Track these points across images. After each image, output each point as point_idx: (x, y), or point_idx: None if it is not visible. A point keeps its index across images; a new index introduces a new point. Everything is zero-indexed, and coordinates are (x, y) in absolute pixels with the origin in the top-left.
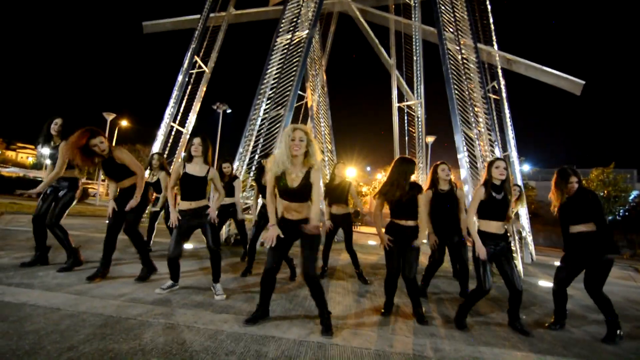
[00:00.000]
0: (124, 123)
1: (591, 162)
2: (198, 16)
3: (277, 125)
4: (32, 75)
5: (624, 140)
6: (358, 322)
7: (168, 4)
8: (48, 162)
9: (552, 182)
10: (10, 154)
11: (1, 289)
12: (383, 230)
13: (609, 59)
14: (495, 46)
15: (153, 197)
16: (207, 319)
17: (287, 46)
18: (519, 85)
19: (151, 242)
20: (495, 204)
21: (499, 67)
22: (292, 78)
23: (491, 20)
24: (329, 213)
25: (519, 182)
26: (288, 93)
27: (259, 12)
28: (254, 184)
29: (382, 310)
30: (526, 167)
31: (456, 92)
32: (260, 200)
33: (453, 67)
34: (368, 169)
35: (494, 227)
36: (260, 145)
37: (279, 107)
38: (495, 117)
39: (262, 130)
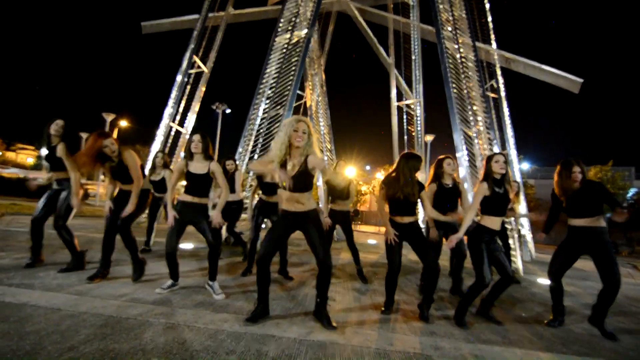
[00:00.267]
0: (124, 123)
1: (590, 160)
2: (197, 16)
3: (277, 124)
4: (32, 76)
5: (622, 138)
6: (358, 320)
7: (167, 5)
8: (45, 163)
9: (555, 174)
10: (10, 155)
11: (2, 290)
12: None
13: (607, 58)
14: (494, 45)
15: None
16: (207, 319)
17: (285, 46)
18: (518, 84)
19: (151, 242)
20: (497, 198)
21: (498, 65)
22: (291, 78)
23: (489, 19)
24: (328, 210)
25: (518, 180)
26: (287, 93)
27: (257, 11)
28: (253, 183)
29: (383, 309)
30: (525, 166)
31: (455, 90)
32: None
33: (452, 66)
34: (367, 168)
35: (496, 223)
36: (259, 145)
37: (278, 107)
38: (494, 116)
39: (261, 130)
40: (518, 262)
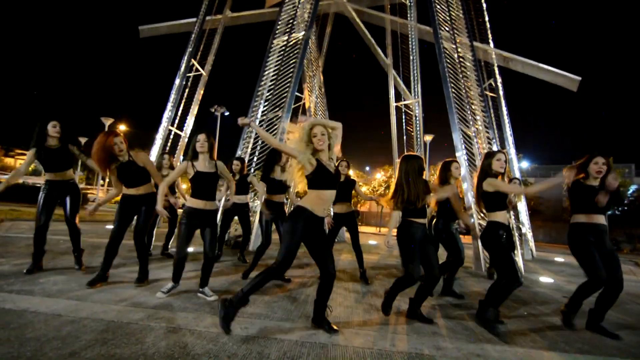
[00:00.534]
0: (122, 127)
1: None
2: (194, 19)
3: (275, 127)
4: (29, 81)
5: (621, 135)
6: (360, 321)
7: (165, 8)
8: (40, 166)
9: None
10: (9, 160)
11: (2, 296)
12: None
13: (605, 55)
14: (492, 44)
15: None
16: (208, 322)
17: (283, 48)
18: (516, 83)
19: (151, 246)
20: (502, 194)
21: (496, 64)
22: (289, 79)
23: (487, 18)
24: (331, 212)
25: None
26: (285, 95)
27: (255, 14)
28: (253, 179)
29: (382, 309)
30: (524, 164)
31: (453, 90)
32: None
33: (450, 66)
34: (367, 168)
35: (507, 217)
36: (258, 148)
37: (277, 109)
38: (492, 115)
39: None
40: (519, 261)
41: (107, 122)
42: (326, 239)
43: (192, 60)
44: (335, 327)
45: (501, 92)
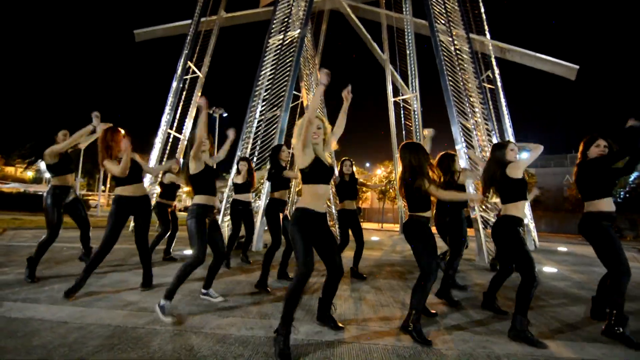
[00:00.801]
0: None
1: None
2: (189, 21)
3: (274, 126)
4: (27, 87)
5: (622, 123)
6: (365, 318)
7: (160, 11)
8: (48, 175)
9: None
10: (9, 169)
11: (8, 305)
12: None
13: (603, 42)
14: (488, 35)
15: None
16: (214, 324)
17: (279, 47)
18: (514, 74)
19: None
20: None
21: (492, 56)
22: (286, 78)
23: (482, 10)
24: (337, 209)
25: None
26: (283, 94)
27: (249, 14)
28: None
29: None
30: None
31: (451, 83)
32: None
33: (447, 59)
34: (367, 164)
35: (523, 208)
36: (258, 147)
37: (275, 108)
38: (491, 107)
39: (259, 132)
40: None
41: (105, 126)
42: (332, 235)
43: (189, 62)
44: (340, 325)
45: (499, 84)
